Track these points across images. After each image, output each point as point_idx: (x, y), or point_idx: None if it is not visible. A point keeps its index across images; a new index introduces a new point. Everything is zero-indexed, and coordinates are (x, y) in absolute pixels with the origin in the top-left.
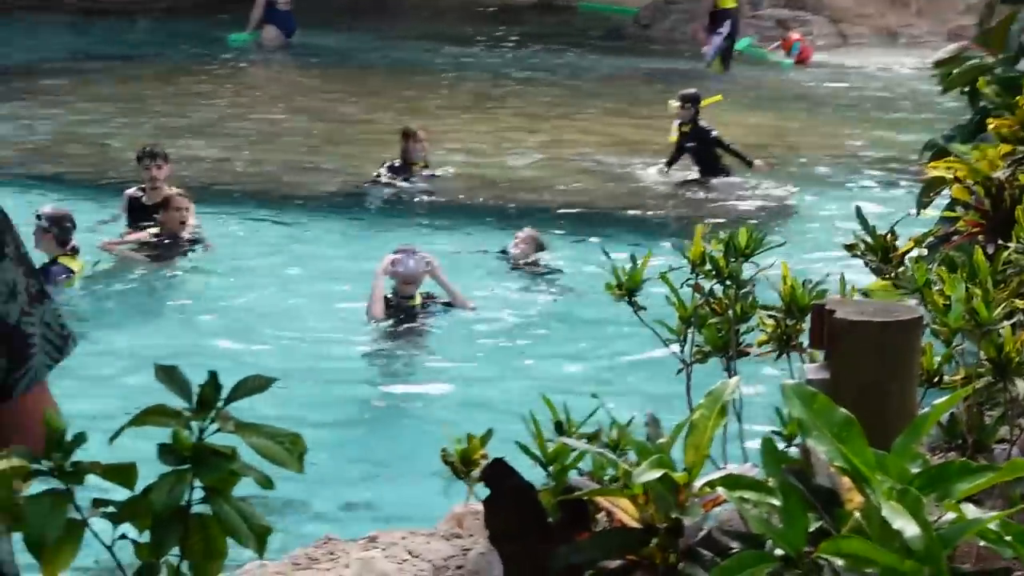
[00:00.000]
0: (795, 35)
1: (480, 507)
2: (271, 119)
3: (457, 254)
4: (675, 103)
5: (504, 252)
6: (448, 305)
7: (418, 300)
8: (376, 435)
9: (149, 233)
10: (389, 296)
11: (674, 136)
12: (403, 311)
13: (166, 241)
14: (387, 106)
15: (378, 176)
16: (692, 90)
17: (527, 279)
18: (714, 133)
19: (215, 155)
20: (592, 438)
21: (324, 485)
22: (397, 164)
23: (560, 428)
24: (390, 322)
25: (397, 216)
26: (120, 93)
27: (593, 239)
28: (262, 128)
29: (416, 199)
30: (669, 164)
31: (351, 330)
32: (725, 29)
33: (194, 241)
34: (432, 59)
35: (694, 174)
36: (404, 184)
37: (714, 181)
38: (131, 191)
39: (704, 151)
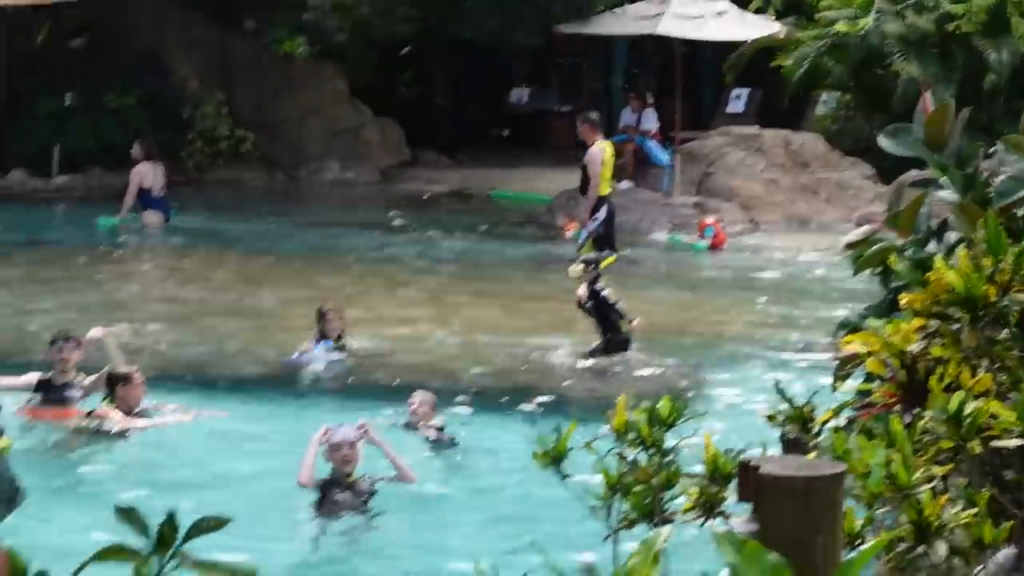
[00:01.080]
0: (709, 219)
1: None
2: (184, 300)
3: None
4: (578, 267)
5: (407, 424)
6: (392, 479)
7: (356, 477)
8: None
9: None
10: (327, 477)
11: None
12: (340, 487)
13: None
14: (302, 290)
15: (301, 354)
16: (592, 254)
17: (440, 449)
18: (604, 293)
19: (136, 338)
20: None
21: None
22: (317, 340)
23: None
24: (327, 498)
25: (317, 394)
26: (26, 277)
27: (510, 415)
28: (174, 310)
29: (334, 377)
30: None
31: (286, 504)
32: (600, 215)
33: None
34: (349, 245)
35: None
36: (322, 360)
37: (629, 358)
38: (39, 375)
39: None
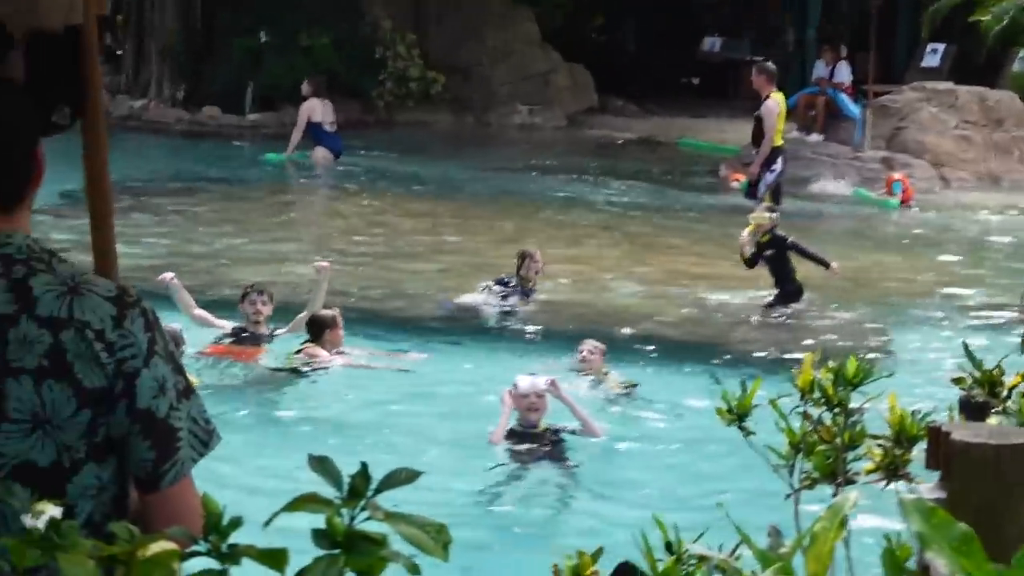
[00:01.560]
0: (896, 175)
1: None
2: (369, 242)
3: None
4: (763, 214)
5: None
6: (574, 433)
7: (542, 427)
8: (487, 551)
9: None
10: (514, 426)
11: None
12: (527, 438)
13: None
14: (488, 234)
15: (487, 287)
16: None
17: (621, 401)
18: (791, 240)
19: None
20: (703, 558)
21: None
22: (510, 282)
23: (670, 548)
24: (513, 447)
25: (502, 337)
26: (221, 214)
27: (697, 370)
28: (363, 250)
29: (522, 321)
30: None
31: (472, 452)
32: (777, 166)
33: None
34: (535, 190)
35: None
36: (513, 302)
37: (800, 311)
38: (235, 324)
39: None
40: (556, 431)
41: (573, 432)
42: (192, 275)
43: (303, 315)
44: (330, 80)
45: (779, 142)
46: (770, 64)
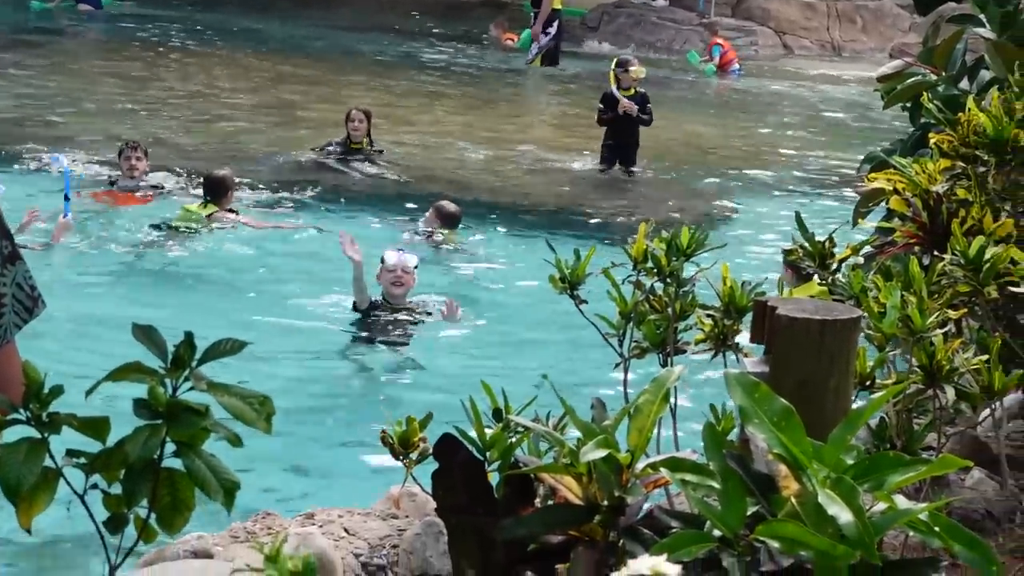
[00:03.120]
0: (717, 39)
1: (416, 489)
2: (208, 102)
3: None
4: (637, 68)
5: (419, 234)
6: (429, 314)
7: (405, 303)
8: (318, 415)
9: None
10: (376, 298)
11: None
12: (386, 311)
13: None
14: (330, 94)
15: (323, 148)
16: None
17: (456, 262)
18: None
19: (164, 138)
20: (528, 428)
21: (263, 460)
22: (338, 142)
23: (498, 414)
24: (371, 319)
25: (342, 195)
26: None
27: (535, 234)
28: (200, 110)
29: (359, 180)
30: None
31: (317, 316)
32: (552, 29)
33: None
34: (379, 50)
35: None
36: (358, 165)
37: (639, 177)
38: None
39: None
40: (417, 308)
41: (434, 311)
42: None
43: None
44: None
45: (558, 4)
46: None
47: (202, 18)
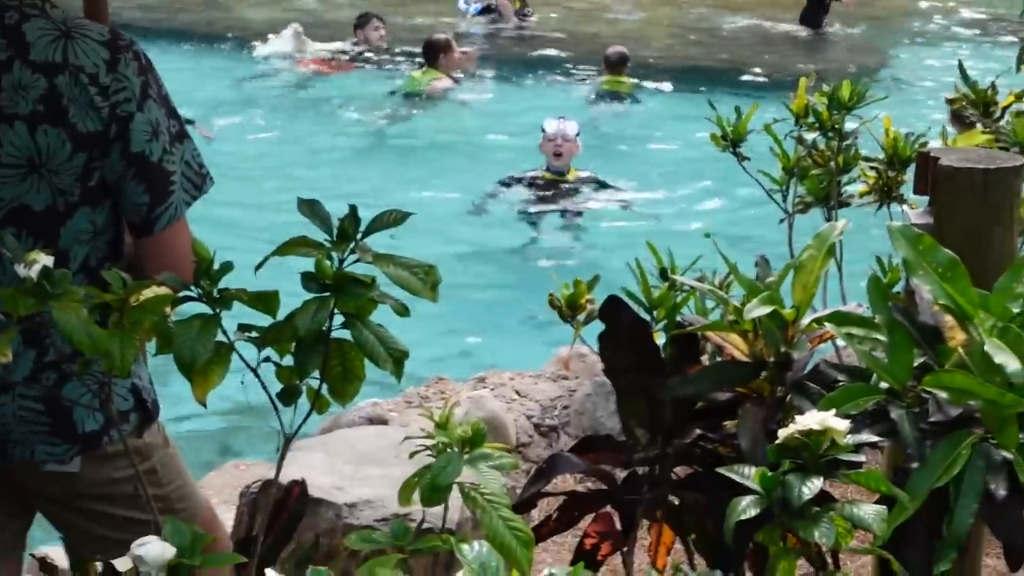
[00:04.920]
0: None
1: (585, 350)
2: None
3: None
4: None
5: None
6: (602, 185)
7: (571, 174)
8: (486, 279)
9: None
10: (538, 171)
11: None
12: (550, 184)
13: None
14: None
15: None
16: None
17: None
18: None
19: None
20: (693, 288)
21: (436, 328)
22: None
23: (664, 274)
24: (535, 192)
25: (495, 56)
26: None
27: (696, 93)
28: None
29: (513, 41)
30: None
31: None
32: None
33: None
34: None
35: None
36: (503, 24)
37: (812, 35)
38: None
39: None
40: (585, 179)
41: (603, 184)
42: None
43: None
44: None
45: None
46: None
47: None
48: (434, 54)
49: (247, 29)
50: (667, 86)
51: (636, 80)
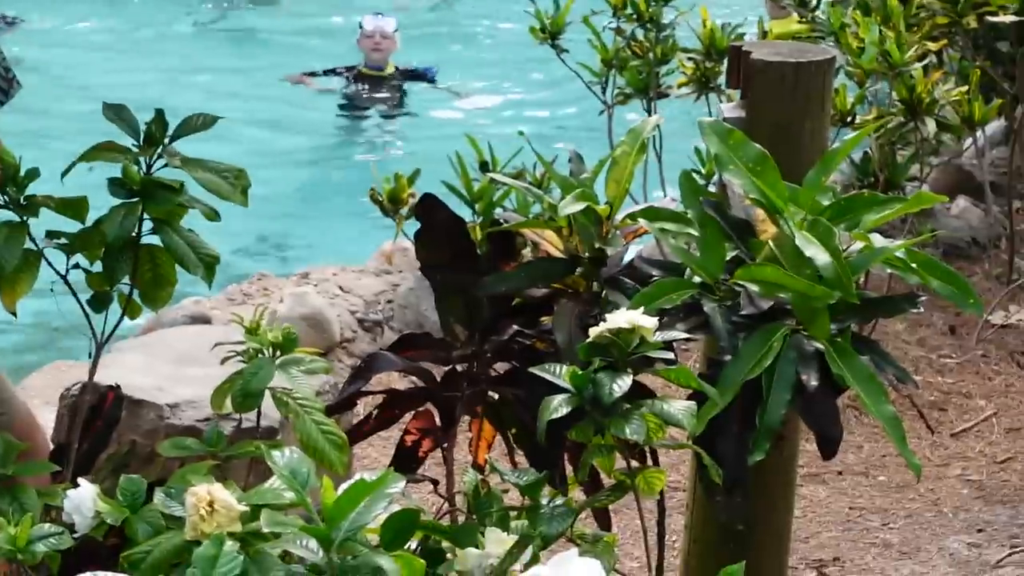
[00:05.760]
0: None
1: (408, 244)
2: None
3: None
4: None
5: None
6: (420, 78)
7: (389, 70)
8: (307, 176)
9: None
10: (359, 66)
11: None
12: (370, 80)
13: None
14: None
15: None
16: None
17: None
18: None
19: None
20: (516, 177)
21: (256, 223)
22: None
23: (485, 167)
24: (354, 88)
25: None
26: None
27: None
28: None
29: None
30: None
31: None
32: None
33: None
34: None
35: None
36: None
37: None
38: None
39: None
40: (403, 73)
41: (423, 77)
42: None
43: None
44: None
45: None
46: None
47: None
48: None
49: None
50: None
51: None
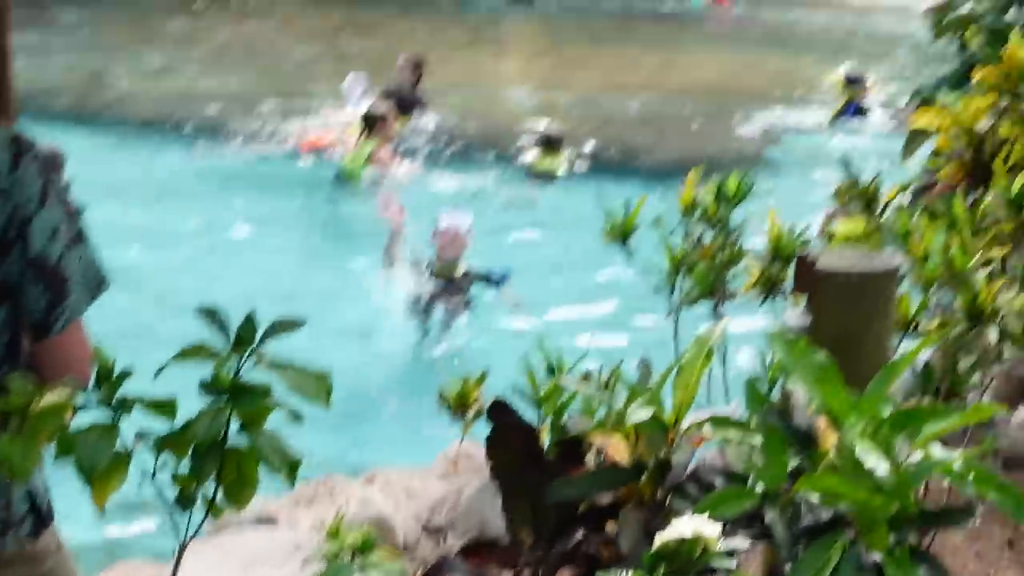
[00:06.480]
0: None
1: (473, 448)
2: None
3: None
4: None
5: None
6: (487, 280)
7: (460, 270)
8: (376, 378)
9: None
10: (431, 261)
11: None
12: (439, 278)
13: None
14: (385, 40)
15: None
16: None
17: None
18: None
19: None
20: (582, 381)
21: (324, 424)
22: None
23: (552, 371)
24: (424, 286)
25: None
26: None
27: (591, 180)
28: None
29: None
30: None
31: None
32: None
33: None
34: None
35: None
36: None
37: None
38: None
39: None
40: (475, 276)
41: (491, 280)
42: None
43: None
44: None
45: None
46: None
47: None
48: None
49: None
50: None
51: (567, 159)
